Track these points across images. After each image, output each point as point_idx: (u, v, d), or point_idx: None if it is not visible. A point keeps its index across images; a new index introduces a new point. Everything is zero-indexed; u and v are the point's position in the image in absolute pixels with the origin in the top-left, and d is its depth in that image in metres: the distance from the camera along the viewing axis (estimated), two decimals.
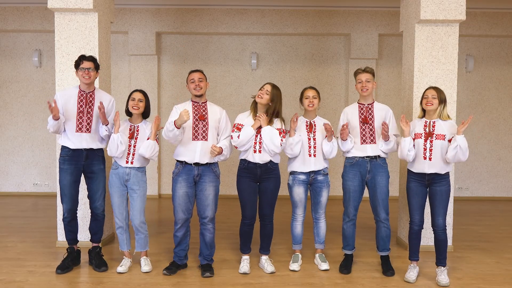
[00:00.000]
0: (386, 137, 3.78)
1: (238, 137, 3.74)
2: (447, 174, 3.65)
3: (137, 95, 3.80)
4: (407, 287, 3.60)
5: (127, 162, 3.77)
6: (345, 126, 3.80)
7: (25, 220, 5.73)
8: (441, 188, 3.61)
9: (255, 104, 3.87)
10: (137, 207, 3.80)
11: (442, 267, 3.67)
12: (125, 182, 3.80)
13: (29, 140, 7.54)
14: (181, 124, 3.59)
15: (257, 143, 3.77)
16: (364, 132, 3.84)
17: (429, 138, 3.60)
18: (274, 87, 3.80)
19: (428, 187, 3.67)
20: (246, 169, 3.82)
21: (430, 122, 3.65)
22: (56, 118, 3.66)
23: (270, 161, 3.82)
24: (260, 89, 3.81)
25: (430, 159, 3.58)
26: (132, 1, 7.04)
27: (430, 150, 3.59)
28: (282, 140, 3.75)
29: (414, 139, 3.67)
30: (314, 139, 3.90)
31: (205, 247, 3.89)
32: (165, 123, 3.78)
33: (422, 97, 3.69)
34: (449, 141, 3.58)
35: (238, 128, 3.79)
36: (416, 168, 3.65)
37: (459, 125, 3.54)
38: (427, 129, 3.63)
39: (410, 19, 4.66)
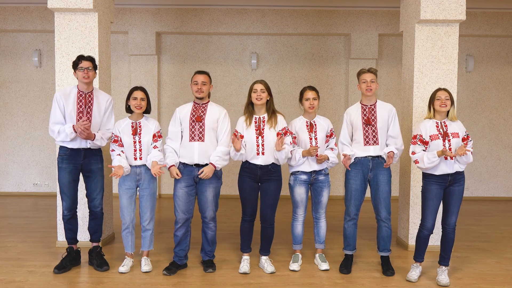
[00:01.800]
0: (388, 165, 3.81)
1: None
2: (463, 171, 3.66)
3: (139, 94, 3.79)
4: (408, 287, 3.60)
5: (135, 159, 3.78)
6: (346, 159, 3.81)
7: (25, 220, 5.73)
8: (459, 188, 3.61)
9: (250, 106, 3.87)
10: (146, 205, 3.82)
11: (444, 267, 3.67)
12: (137, 182, 3.82)
13: (29, 140, 7.54)
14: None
15: (260, 146, 3.78)
16: (367, 134, 3.84)
17: (446, 137, 3.59)
18: (263, 82, 3.84)
19: (446, 188, 3.64)
20: (248, 168, 3.83)
21: (440, 122, 3.64)
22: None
23: (272, 163, 3.83)
24: (253, 92, 3.80)
25: (451, 158, 3.58)
26: (132, 1, 7.04)
27: (450, 150, 3.57)
28: (290, 144, 3.81)
29: (430, 142, 3.61)
30: (316, 139, 3.90)
31: (207, 243, 3.92)
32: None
33: (434, 99, 3.64)
34: (463, 139, 3.58)
35: (235, 135, 3.80)
36: (439, 170, 3.58)
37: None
38: (441, 130, 3.62)
39: (410, 19, 4.66)
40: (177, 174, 3.75)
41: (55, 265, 3.89)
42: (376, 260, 4.19)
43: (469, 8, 6.60)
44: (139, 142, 3.78)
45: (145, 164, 3.81)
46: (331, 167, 3.98)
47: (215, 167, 3.74)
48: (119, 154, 3.77)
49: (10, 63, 7.48)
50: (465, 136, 3.61)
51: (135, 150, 3.78)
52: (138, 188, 3.87)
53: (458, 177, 3.61)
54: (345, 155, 3.82)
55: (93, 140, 3.80)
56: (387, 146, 3.85)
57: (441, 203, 3.73)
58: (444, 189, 3.64)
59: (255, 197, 3.87)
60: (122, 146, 3.79)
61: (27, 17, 7.06)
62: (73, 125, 3.71)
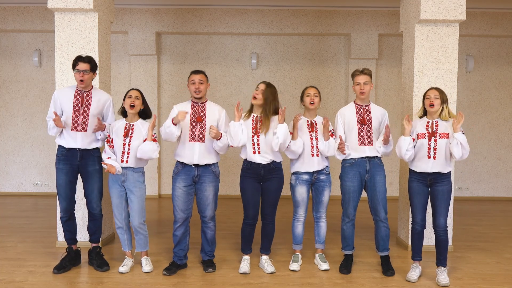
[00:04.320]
0: (386, 141, 3.78)
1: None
2: (448, 173, 3.66)
3: (134, 93, 3.76)
4: (408, 287, 3.60)
5: (122, 161, 3.73)
6: (342, 143, 3.77)
7: (25, 220, 5.73)
8: (443, 188, 3.62)
9: (251, 105, 3.87)
10: (135, 208, 3.77)
11: (443, 267, 3.67)
12: (122, 183, 3.77)
13: (29, 140, 7.54)
14: (177, 122, 3.60)
15: (255, 145, 3.77)
16: (362, 134, 3.83)
17: (433, 137, 3.61)
18: (268, 85, 3.80)
19: (430, 187, 3.67)
20: (250, 169, 3.82)
21: (432, 121, 3.66)
22: (61, 127, 3.69)
23: (273, 161, 3.82)
24: (256, 89, 3.80)
25: (434, 158, 3.59)
26: (132, 1, 7.04)
27: (435, 149, 3.59)
28: (290, 142, 3.80)
29: (416, 140, 3.67)
30: (316, 139, 3.89)
31: (207, 243, 3.92)
32: (163, 123, 3.79)
33: (424, 97, 3.69)
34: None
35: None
36: (420, 168, 3.65)
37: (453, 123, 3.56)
38: (429, 129, 3.64)
39: (410, 19, 4.66)
40: (182, 112, 3.58)
41: (55, 265, 3.89)
42: (376, 260, 4.18)
43: (469, 8, 6.60)
44: (128, 145, 3.72)
45: (130, 167, 3.75)
46: (326, 147, 3.84)
47: (219, 136, 3.68)
48: (109, 157, 3.73)
49: (10, 63, 7.48)
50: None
51: (123, 153, 3.72)
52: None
53: (440, 177, 3.63)
54: (340, 137, 3.78)
55: (103, 130, 3.81)
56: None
57: (430, 203, 3.76)
58: (427, 186, 3.67)
59: (258, 199, 3.86)
60: (113, 147, 3.76)
61: (27, 17, 7.06)
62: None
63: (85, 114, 3.82)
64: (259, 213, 3.90)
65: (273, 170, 3.83)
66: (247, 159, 3.82)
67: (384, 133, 3.78)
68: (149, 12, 7.17)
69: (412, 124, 3.71)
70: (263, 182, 3.84)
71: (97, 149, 3.95)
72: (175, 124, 3.62)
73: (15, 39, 7.46)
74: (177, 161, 3.82)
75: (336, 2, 7.05)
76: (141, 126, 3.79)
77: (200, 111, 3.79)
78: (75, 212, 4.03)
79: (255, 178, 3.82)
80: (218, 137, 3.67)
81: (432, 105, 3.61)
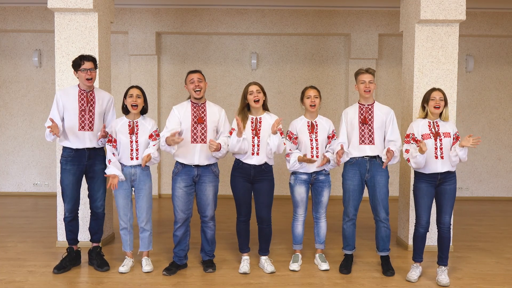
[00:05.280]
0: (386, 163, 3.75)
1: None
2: (455, 171, 3.67)
3: (135, 91, 3.76)
4: (408, 287, 3.60)
5: (131, 159, 3.75)
6: (340, 151, 3.72)
7: (25, 220, 5.73)
8: (450, 187, 3.63)
9: (245, 109, 3.84)
10: (143, 205, 3.80)
11: (443, 267, 3.67)
12: (131, 183, 3.79)
13: (29, 140, 7.54)
14: (171, 145, 3.61)
15: (255, 146, 3.77)
16: (363, 133, 3.83)
17: (438, 137, 3.61)
18: (259, 84, 3.84)
19: (437, 187, 3.66)
20: (240, 168, 3.83)
21: (433, 122, 3.66)
22: (57, 135, 3.66)
23: (265, 163, 3.83)
24: (249, 94, 3.79)
25: (442, 157, 3.59)
26: (132, 1, 7.04)
27: (441, 149, 3.59)
28: (284, 144, 3.82)
29: (422, 140, 3.64)
30: (316, 140, 3.89)
31: (207, 243, 3.92)
32: (164, 123, 3.80)
33: (428, 99, 3.65)
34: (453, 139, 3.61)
35: (231, 133, 3.78)
36: (429, 169, 3.62)
37: (464, 136, 3.57)
38: (433, 129, 3.64)
39: (410, 19, 4.66)
40: (171, 139, 3.55)
41: (55, 265, 3.89)
42: (376, 260, 4.19)
43: (469, 8, 6.60)
44: (136, 141, 3.75)
45: (140, 164, 3.78)
46: (330, 168, 3.96)
47: (219, 148, 3.66)
48: (110, 160, 3.71)
49: (10, 63, 7.48)
50: (456, 136, 3.64)
51: (132, 150, 3.75)
52: (133, 189, 3.85)
53: (448, 176, 3.63)
54: (342, 146, 3.75)
55: (106, 137, 3.81)
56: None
57: (435, 202, 3.75)
58: (434, 187, 3.66)
59: (249, 197, 3.87)
60: (116, 147, 3.76)
61: (27, 17, 7.06)
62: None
63: (91, 114, 3.83)
64: (251, 209, 3.91)
65: (264, 172, 3.84)
66: (240, 159, 3.83)
67: (386, 154, 3.71)
68: (149, 12, 7.17)
69: (425, 143, 3.51)
70: (253, 183, 3.84)
71: (103, 148, 3.98)
72: (169, 145, 3.63)
73: (15, 39, 7.46)
74: (177, 161, 3.82)
75: (336, 2, 7.05)
76: (144, 122, 3.81)
77: (200, 112, 3.79)
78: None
79: (245, 178, 3.83)
80: (218, 149, 3.68)
81: (438, 107, 3.61)
